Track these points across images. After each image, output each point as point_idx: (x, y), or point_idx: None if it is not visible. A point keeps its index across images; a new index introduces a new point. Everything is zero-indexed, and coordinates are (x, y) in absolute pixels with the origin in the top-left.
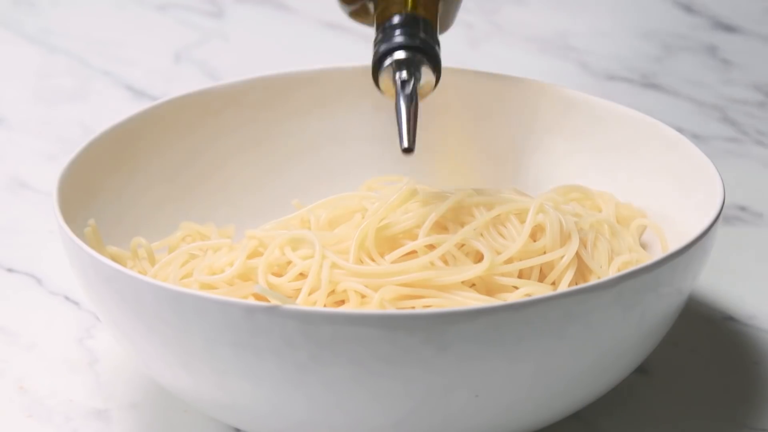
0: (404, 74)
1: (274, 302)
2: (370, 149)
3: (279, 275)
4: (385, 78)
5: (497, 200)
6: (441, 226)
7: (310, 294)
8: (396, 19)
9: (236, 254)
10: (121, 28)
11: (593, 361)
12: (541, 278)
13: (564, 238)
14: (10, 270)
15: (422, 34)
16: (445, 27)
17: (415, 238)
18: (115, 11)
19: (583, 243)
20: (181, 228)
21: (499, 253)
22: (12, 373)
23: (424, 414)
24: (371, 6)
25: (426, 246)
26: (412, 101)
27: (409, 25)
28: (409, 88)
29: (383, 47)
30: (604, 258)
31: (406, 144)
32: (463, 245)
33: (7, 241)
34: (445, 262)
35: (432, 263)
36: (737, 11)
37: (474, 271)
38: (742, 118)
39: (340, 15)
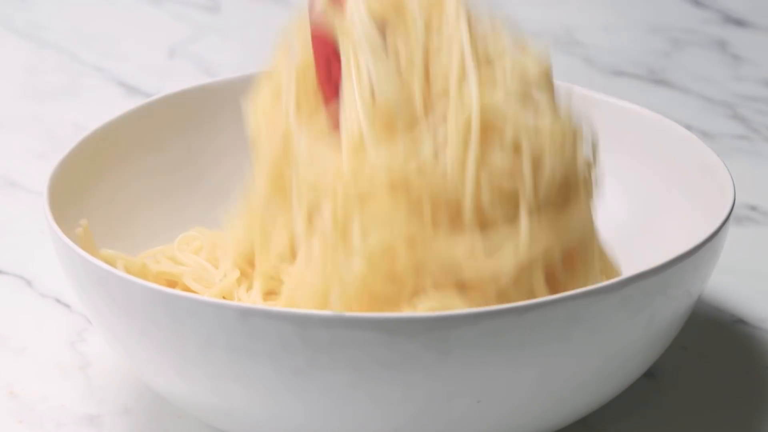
0: None
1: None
2: None
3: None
4: None
5: None
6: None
7: None
8: None
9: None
10: (114, 22)
11: (600, 366)
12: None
13: None
14: None
15: None
16: None
17: None
18: (107, 5)
19: None
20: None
21: None
22: (1, 377)
23: (424, 421)
24: None
25: None
26: None
27: None
28: None
29: None
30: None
31: None
32: None
33: None
34: None
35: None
36: (748, 5)
37: None
38: (752, 115)
39: None
